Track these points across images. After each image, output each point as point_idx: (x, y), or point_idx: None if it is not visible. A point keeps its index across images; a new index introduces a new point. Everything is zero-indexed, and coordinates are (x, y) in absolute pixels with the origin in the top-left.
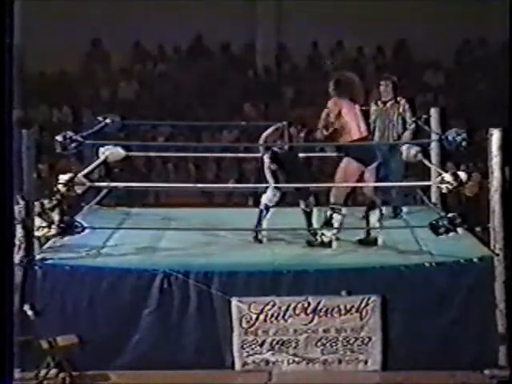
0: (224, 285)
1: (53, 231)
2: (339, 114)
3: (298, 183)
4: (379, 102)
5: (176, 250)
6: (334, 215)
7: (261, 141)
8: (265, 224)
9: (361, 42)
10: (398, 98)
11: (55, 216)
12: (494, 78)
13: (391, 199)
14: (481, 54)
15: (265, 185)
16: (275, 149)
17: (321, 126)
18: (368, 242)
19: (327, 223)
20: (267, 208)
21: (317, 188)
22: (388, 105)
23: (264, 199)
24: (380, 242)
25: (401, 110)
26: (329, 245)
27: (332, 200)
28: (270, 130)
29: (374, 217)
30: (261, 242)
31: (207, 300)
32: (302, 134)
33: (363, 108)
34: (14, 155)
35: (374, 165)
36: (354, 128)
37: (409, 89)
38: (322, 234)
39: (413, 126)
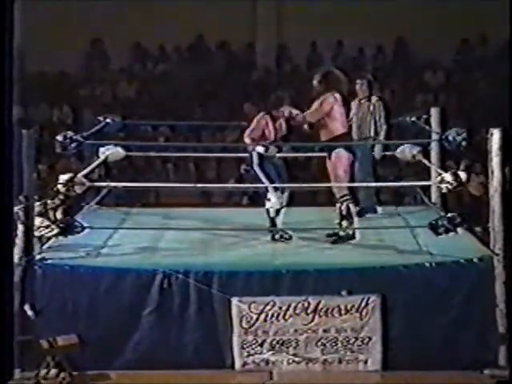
0: (224, 285)
1: (53, 231)
2: (330, 111)
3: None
4: (356, 100)
5: (176, 249)
6: (350, 206)
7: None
8: (279, 222)
9: (361, 42)
10: (372, 97)
11: (58, 216)
12: (494, 78)
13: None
14: (481, 53)
15: (265, 185)
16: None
17: (313, 113)
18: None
19: (346, 216)
20: (277, 211)
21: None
22: (362, 102)
23: (269, 205)
24: (357, 237)
25: (371, 108)
26: (353, 236)
27: (338, 195)
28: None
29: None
30: (282, 240)
31: (207, 300)
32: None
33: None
34: (14, 155)
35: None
36: (340, 121)
37: (409, 88)
38: (346, 228)
39: (384, 126)
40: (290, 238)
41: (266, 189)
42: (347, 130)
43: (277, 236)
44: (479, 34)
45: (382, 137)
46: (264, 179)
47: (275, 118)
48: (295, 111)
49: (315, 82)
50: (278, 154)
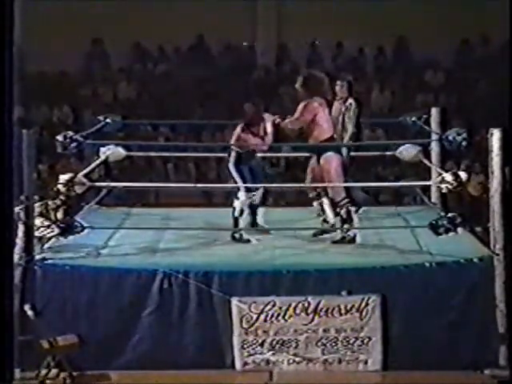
0: (224, 285)
1: (53, 231)
2: (314, 117)
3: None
4: (336, 101)
5: (176, 249)
6: (351, 209)
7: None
8: (242, 222)
9: (361, 42)
10: (348, 99)
11: (59, 216)
12: (494, 78)
13: None
14: (481, 53)
15: (265, 185)
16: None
17: (294, 121)
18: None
19: (346, 220)
20: (241, 212)
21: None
22: (339, 103)
23: (236, 203)
24: (358, 240)
25: (343, 110)
26: (353, 240)
27: (337, 199)
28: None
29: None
30: (240, 240)
31: (207, 300)
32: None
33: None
34: (14, 155)
35: None
36: (325, 126)
37: (409, 88)
38: (347, 231)
39: (351, 129)
40: (249, 241)
41: (238, 188)
42: (333, 134)
43: (236, 235)
44: (479, 34)
45: (346, 139)
46: (237, 179)
47: (253, 126)
48: (276, 118)
49: (297, 86)
50: (259, 154)
